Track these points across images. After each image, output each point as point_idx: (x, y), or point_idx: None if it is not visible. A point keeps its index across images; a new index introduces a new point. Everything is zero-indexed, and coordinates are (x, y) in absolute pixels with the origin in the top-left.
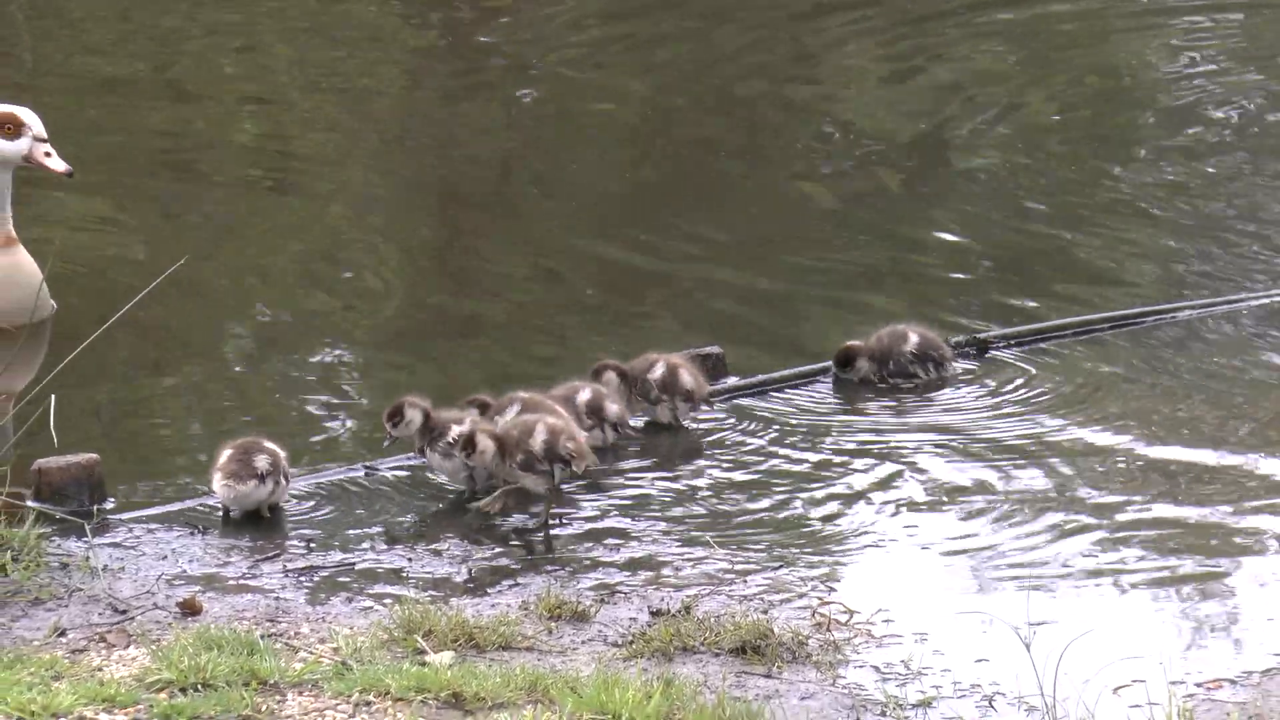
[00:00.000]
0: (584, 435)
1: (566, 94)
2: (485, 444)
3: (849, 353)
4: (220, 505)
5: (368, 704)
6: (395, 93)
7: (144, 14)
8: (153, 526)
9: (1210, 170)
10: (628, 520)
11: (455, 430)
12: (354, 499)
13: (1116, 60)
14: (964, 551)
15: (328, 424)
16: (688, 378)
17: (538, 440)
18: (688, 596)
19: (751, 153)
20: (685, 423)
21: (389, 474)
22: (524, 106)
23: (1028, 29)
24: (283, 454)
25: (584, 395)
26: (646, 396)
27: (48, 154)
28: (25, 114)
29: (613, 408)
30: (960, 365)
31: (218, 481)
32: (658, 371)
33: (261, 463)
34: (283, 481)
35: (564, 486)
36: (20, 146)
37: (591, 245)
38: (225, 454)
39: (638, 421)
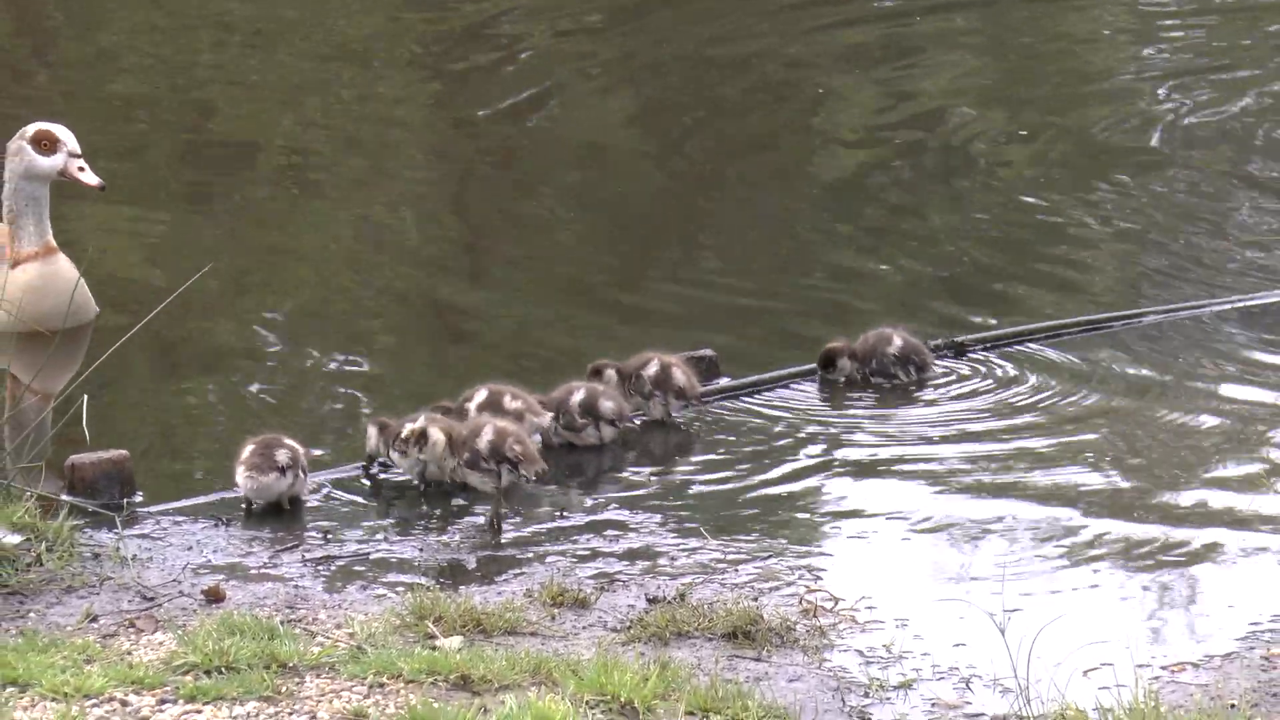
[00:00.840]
0: (533, 443)
1: (570, 107)
2: (436, 436)
3: (830, 354)
4: (243, 498)
5: (381, 686)
6: (413, 105)
7: (170, 22)
8: (179, 519)
9: (1173, 179)
10: (625, 512)
11: (407, 428)
12: (368, 493)
13: (1087, 68)
14: (943, 542)
15: (345, 423)
16: (680, 375)
17: (484, 440)
18: (683, 585)
19: (744, 165)
20: (678, 419)
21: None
22: (536, 121)
23: (1003, 38)
24: (302, 449)
25: (578, 395)
26: (640, 392)
27: (81, 169)
28: (60, 131)
29: (607, 404)
30: (940, 367)
31: (240, 473)
32: (651, 369)
33: (282, 456)
34: (301, 475)
35: (570, 488)
36: (56, 162)
37: (596, 253)
38: (248, 448)
39: (636, 419)
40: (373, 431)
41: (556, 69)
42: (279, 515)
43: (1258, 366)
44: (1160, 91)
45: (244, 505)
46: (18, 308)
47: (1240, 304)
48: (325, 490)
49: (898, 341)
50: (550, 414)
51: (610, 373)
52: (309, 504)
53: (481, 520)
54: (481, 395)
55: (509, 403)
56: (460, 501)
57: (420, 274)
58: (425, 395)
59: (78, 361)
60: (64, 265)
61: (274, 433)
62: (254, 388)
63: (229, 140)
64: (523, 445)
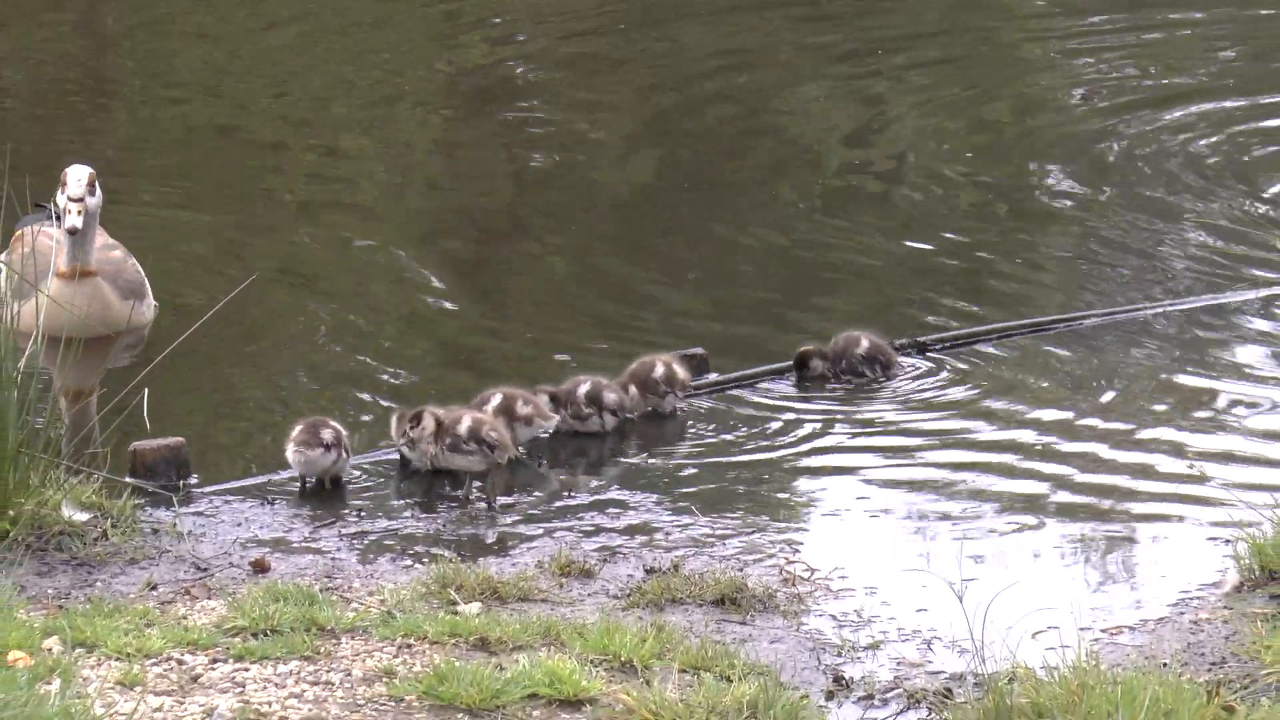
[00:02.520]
0: (505, 432)
1: (571, 128)
2: (428, 422)
3: (804, 356)
4: (296, 476)
5: (409, 646)
6: (434, 124)
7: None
8: (230, 498)
9: (1111, 192)
10: (625, 492)
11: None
12: (397, 475)
13: (1031, 82)
14: (907, 518)
15: (376, 413)
16: (682, 372)
17: (463, 427)
18: (676, 557)
19: (725, 186)
20: (680, 407)
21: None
22: (538, 141)
23: (957, 54)
24: (345, 431)
25: (584, 388)
26: (656, 392)
27: (66, 210)
28: (70, 173)
29: (610, 396)
30: (904, 365)
31: (290, 449)
32: (660, 371)
33: (327, 435)
34: (344, 454)
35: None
36: (59, 201)
37: (598, 263)
38: (298, 427)
39: (629, 414)
40: (394, 421)
41: (561, 95)
42: (319, 494)
43: (1184, 363)
44: (1103, 106)
45: (299, 482)
46: (39, 316)
47: (1171, 308)
48: (359, 473)
49: (865, 343)
50: (556, 416)
51: (633, 389)
52: (345, 484)
53: (484, 503)
54: (496, 399)
55: (520, 408)
56: (478, 484)
57: (444, 278)
58: (450, 391)
59: (103, 361)
60: (87, 291)
61: (320, 415)
62: (296, 382)
63: (273, 155)
64: (498, 432)
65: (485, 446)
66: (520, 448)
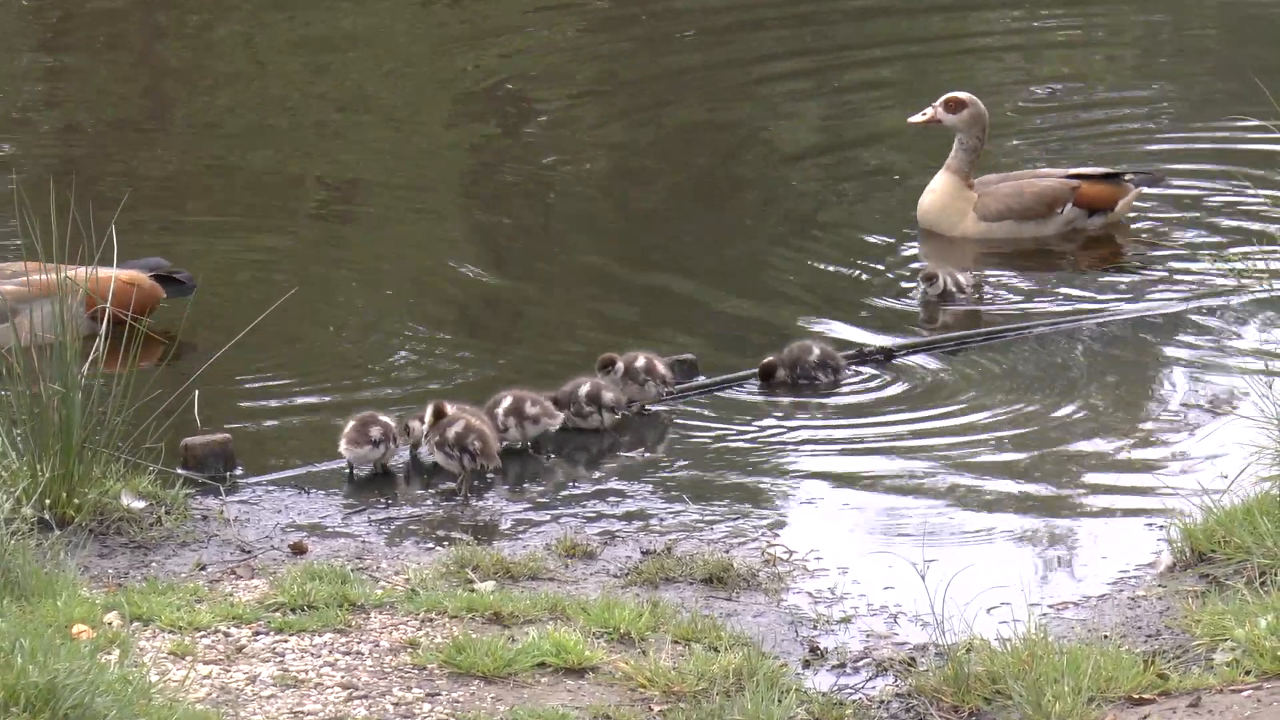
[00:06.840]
0: (495, 442)
1: (578, 147)
2: (416, 426)
3: (768, 368)
4: (345, 467)
5: (431, 620)
6: (458, 138)
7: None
8: (271, 488)
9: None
10: (623, 483)
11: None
12: (421, 467)
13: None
14: (875, 506)
15: (406, 411)
16: (661, 366)
17: (452, 431)
18: (669, 540)
19: (710, 211)
20: (666, 401)
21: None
22: (551, 162)
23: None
24: (394, 425)
25: (585, 388)
26: (636, 379)
27: None
28: None
29: (608, 395)
30: (868, 370)
31: (342, 445)
32: (641, 362)
33: (375, 432)
34: (392, 446)
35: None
36: None
37: (602, 271)
38: (350, 424)
39: (633, 405)
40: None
41: (567, 121)
42: (352, 483)
43: (1122, 366)
44: (1056, 115)
45: (348, 470)
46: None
47: (1111, 319)
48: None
49: (816, 351)
50: (561, 415)
51: (619, 365)
52: (373, 475)
53: (493, 501)
54: (507, 401)
55: (529, 408)
56: (491, 476)
57: (466, 287)
58: (472, 390)
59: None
60: None
61: (371, 411)
62: (332, 383)
63: (301, 167)
64: (483, 442)
65: (466, 455)
66: (529, 443)
